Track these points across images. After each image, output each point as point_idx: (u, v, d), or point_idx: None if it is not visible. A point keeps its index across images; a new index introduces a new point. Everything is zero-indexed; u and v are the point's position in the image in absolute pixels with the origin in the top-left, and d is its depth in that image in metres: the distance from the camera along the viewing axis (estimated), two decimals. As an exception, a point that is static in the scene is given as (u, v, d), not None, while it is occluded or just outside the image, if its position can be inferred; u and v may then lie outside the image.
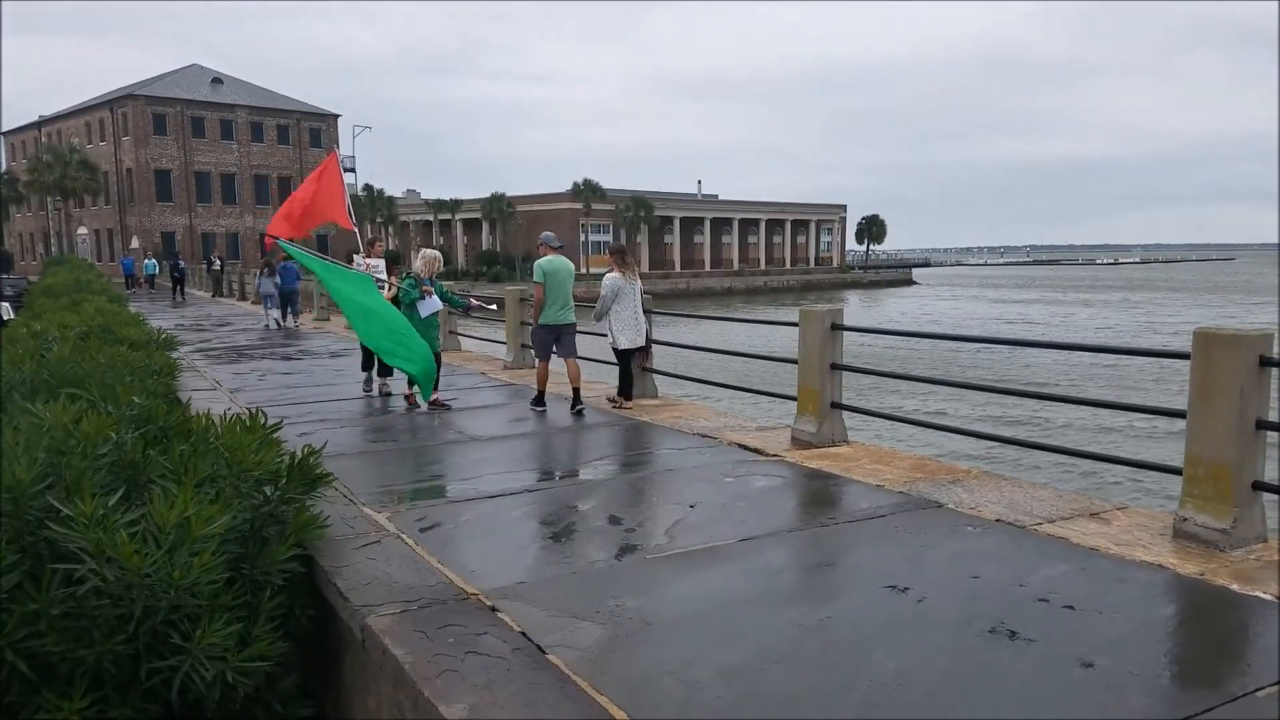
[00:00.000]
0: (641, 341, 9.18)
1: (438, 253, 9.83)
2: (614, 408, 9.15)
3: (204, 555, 3.29)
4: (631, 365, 9.34)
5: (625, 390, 9.35)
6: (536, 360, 9.30)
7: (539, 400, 9.14)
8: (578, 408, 8.75)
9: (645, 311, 9.77)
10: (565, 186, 72.98)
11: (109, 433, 3.92)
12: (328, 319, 22.29)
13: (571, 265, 9.32)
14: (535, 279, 9.04)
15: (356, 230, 10.01)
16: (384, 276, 9.92)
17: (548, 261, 9.02)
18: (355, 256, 9.87)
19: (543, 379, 9.13)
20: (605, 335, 9.25)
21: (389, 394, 9.89)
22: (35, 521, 3.31)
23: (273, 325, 20.91)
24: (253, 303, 27.29)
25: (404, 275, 9.37)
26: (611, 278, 9.08)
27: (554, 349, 9.06)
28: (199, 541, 3.33)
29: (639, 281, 9.29)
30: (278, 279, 21.65)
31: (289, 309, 21.71)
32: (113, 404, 4.55)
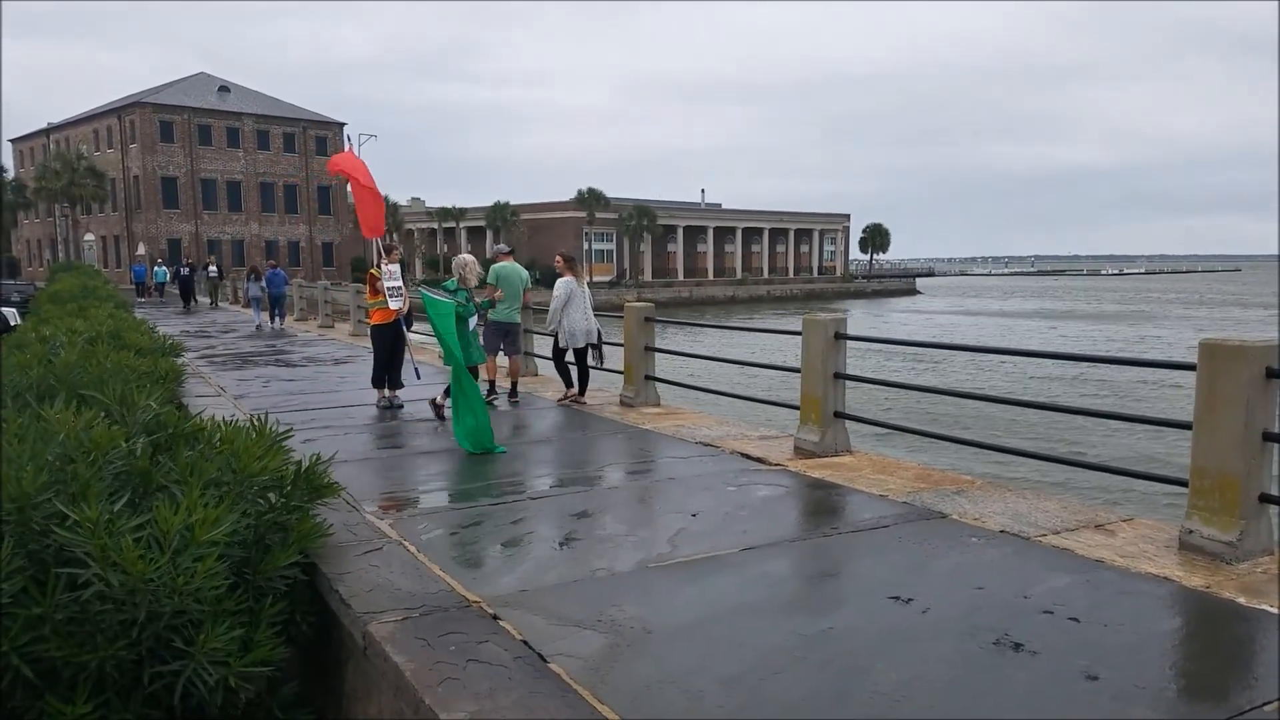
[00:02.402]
0: (594, 339, 9.84)
1: (473, 258, 9.60)
2: (567, 403, 9.89)
3: (208, 561, 3.29)
4: (586, 361, 9.98)
5: (583, 387, 10.04)
6: (488, 354, 10.19)
7: (490, 390, 9.99)
8: (514, 398, 10.08)
9: (653, 321, 9.88)
10: (561, 190, 73.57)
11: (120, 441, 3.92)
12: (331, 325, 22.36)
13: (525, 271, 10.58)
14: (489, 280, 10.13)
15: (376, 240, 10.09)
16: (400, 283, 9.97)
17: (501, 266, 10.28)
18: (382, 264, 9.88)
19: (491, 371, 10.22)
20: (560, 338, 9.85)
21: (400, 405, 9.80)
22: (41, 526, 3.32)
23: (263, 326, 22.60)
24: (244, 305, 28.55)
25: (456, 288, 8.89)
26: (563, 282, 9.77)
27: (501, 346, 10.20)
28: (203, 547, 3.33)
29: (587, 286, 10.04)
30: (264, 284, 23.61)
31: (276, 311, 23.51)
32: (128, 410, 4.55)
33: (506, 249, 10.78)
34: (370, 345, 11.04)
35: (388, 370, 9.96)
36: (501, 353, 10.29)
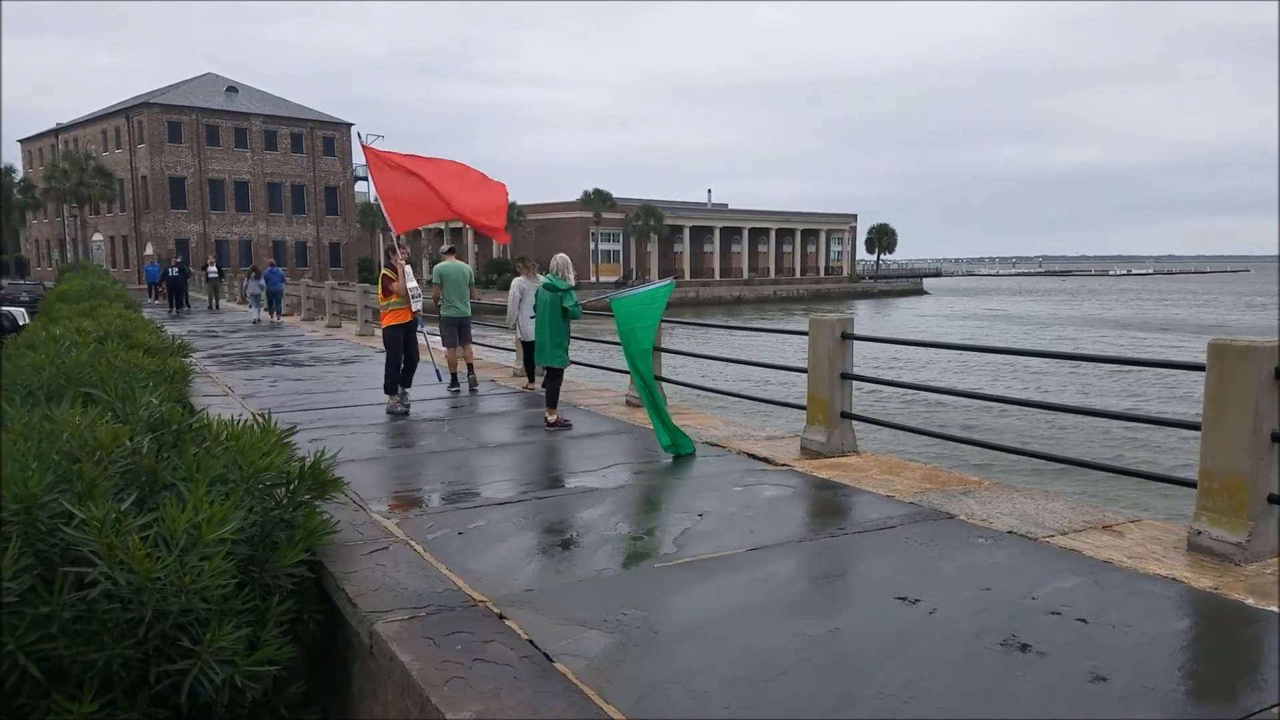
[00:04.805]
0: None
1: (568, 257, 9.23)
2: (524, 388, 11.03)
3: (214, 560, 3.29)
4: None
5: (531, 375, 10.98)
6: (445, 348, 11.19)
7: (454, 381, 10.95)
8: (472, 380, 11.03)
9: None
10: (566, 192, 73.52)
11: (125, 439, 3.93)
12: (339, 325, 22.41)
13: (466, 267, 11.60)
14: (433, 280, 11.15)
15: (393, 233, 10.16)
16: (416, 284, 10.02)
17: (442, 266, 11.22)
18: (396, 264, 9.89)
19: (453, 363, 11.10)
20: (519, 333, 10.96)
21: (407, 407, 9.58)
22: (48, 526, 3.33)
23: (260, 320, 24.16)
24: (240, 302, 29.09)
25: (567, 288, 8.50)
26: (516, 282, 10.84)
27: (457, 339, 11.12)
28: (210, 545, 3.34)
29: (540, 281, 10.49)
30: (263, 281, 25.01)
31: (274, 306, 24.94)
32: (131, 408, 4.57)
33: (448, 248, 11.85)
34: (381, 348, 11.02)
35: (400, 373, 9.78)
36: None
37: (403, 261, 9.76)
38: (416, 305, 9.84)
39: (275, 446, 4.25)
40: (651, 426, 7.44)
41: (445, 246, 12.17)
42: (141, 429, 4.28)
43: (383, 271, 9.89)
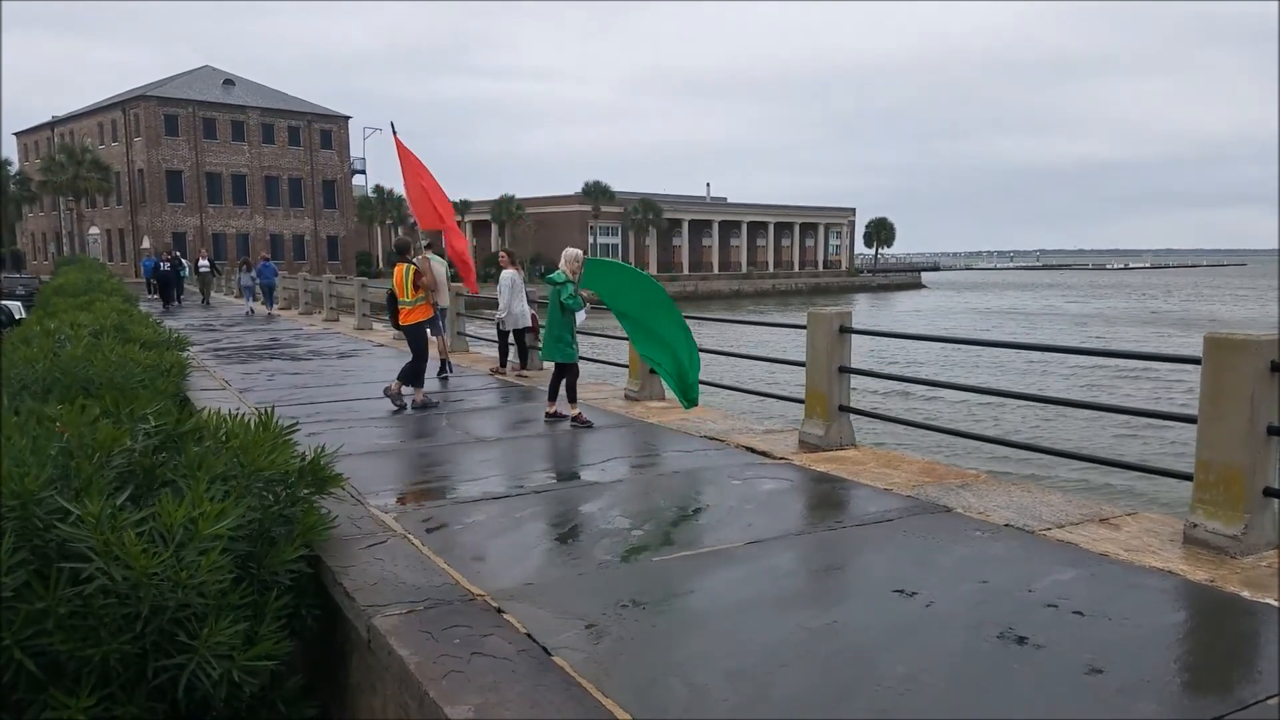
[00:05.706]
0: (529, 322, 11.33)
1: (580, 251, 8.88)
2: (514, 374, 11.67)
3: (211, 555, 3.29)
4: (524, 340, 11.57)
5: (524, 361, 11.82)
6: (432, 337, 11.35)
7: (443, 368, 11.45)
8: (444, 374, 11.48)
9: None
10: (565, 186, 73.41)
11: (125, 438, 3.92)
12: (336, 319, 22.38)
13: (445, 263, 12.13)
14: None
15: (416, 230, 10.28)
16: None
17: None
18: (424, 259, 9.95)
19: (444, 350, 11.78)
20: (505, 322, 11.45)
21: (413, 407, 9.37)
22: (44, 522, 3.32)
23: (251, 313, 24.83)
24: (236, 296, 29.42)
25: (565, 280, 8.37)
26: (508, 274, 11.24)
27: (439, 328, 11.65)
28: (207, 541, 3.33)
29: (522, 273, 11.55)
30: (255, 274, 25.79)
31: (267, 299, 25.76)
32: (128, 412, 4.53)
33: (427, 243, 12.31)
34: (390, 344, 11.03)
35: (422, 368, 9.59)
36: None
37: (425, 256, 9.87)
38: (442, 300, 10.07)
39: (277, 444, 4.24)
40: (653, 421, 7.50)
41: (425, 242, 12.35)
42: (139, 431, 4.26)
43: (411, 267, 9.60)
